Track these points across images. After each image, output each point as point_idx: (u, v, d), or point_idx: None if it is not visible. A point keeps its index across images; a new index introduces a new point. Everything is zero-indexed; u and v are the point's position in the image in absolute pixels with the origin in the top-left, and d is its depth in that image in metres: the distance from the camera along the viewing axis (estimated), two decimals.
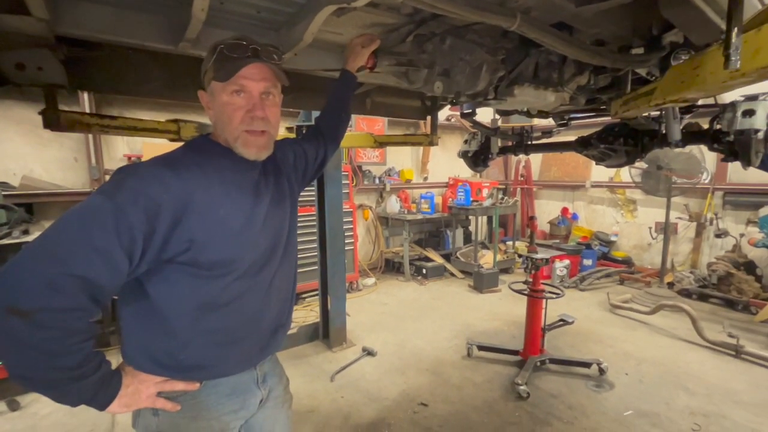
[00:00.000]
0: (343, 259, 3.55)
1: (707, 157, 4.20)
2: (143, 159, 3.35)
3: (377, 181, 5.92)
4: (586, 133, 2.48)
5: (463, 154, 3.11)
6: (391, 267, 5.96)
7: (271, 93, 0.97)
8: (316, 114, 1.49)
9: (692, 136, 1.96)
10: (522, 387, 2.70)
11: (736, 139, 1.67)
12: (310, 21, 1.16)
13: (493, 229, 5.75)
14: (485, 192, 5.88)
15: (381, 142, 2.77)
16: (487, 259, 5.56)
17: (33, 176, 3.50)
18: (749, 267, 4.41)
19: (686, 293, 4.61)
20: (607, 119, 2.60)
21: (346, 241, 4.24)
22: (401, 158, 6.27)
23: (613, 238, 5.93)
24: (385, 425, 2.45)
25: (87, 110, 3.51)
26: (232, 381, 1.00)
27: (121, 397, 0.85)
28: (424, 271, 5.50)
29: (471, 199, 5.64)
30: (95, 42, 1.34)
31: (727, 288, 4.40)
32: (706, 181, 4.80)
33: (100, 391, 0.82)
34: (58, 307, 0.71)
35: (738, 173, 4.71)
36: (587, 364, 3.03)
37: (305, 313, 4.25)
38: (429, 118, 2.64)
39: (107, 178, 3.59)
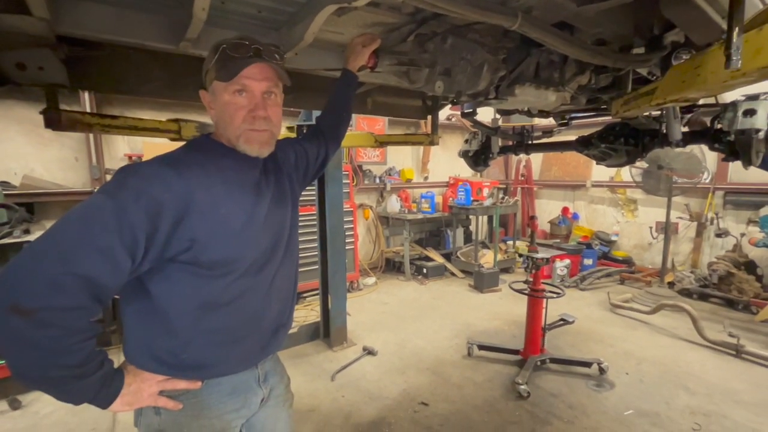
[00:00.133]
0: (344, 258, 3.55)
1: (708, 156, 4.20)
2: (144, 158, 3.35)
3: (378, 180, 5.93)
4: (586, 132, 2.48)
5: (464, 154, 3.11)
6: (391, 266, 5.96)
7: (273, 92, 0.97)
8: (316, 113, 1.49)
9: (693, 135, 1.95)
10: (522, 386, 2.70)
11: (737, 139, 1.67)
12: (311, 20, 1.16)
13: (493, 229, 5.75)
14: (486, 191, 5.88)
15: (382, 142, 2.77)
16: (487, 258, 5.56)
17: (34, 176, 3.50)
18: (750, 267, 4.41)
19: (687, 293, 4.61)
20: (607, 119, 2.60)
21: (347, 241, 4.24)
22: (402, 158, 6.26)
23: (613, 238, 5.93)
24: (385, 424, 2.45)
25: (88, 110, 3.51)
26: (233, 380, 1.00)
27: (123, 395, 0.85)
28: (424, 270, 5.50)
29: (471, 198, 5.64)
30: (96, 42, 1.34)
31: (727, 288, 4.40)
32: (707, 181, 4.80)
33: (102, 390, 0.82)
34: (60, 306, 0.71)
35: (739, 173, 4.70)
36: (588, 364, 3.03)
37: (306, 313, 4.25)
38: (430, 117, 2.64)
39: (108, 177, 3.60)
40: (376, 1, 1.20)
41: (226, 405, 0.99)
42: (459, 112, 2.57)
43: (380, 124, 5.40)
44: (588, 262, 5.54)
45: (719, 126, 1.78)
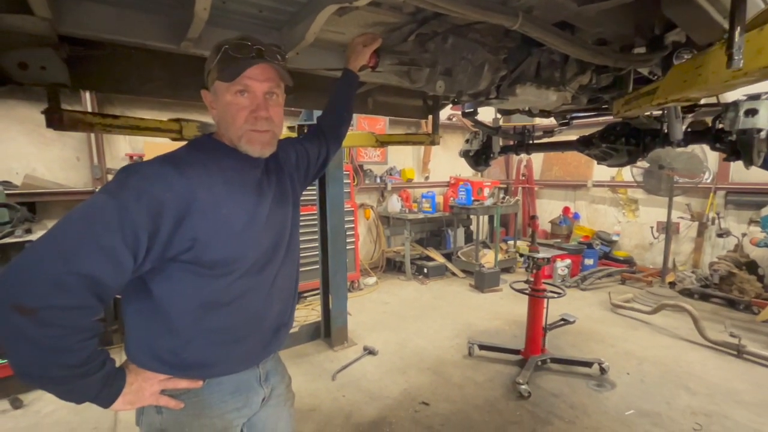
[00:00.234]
0: (345, 258, 3.55)
1: (709, 156, 4.19)
2: (145, 158, 3.36)
3: (378, 180, 5.92)
4: (587, 132, 2.48)
5: (465, 154, 3.11)
6: (392, 266, 5.96)
7: (275, 93, 0.97)
8: (317, 113, 1.49)
9: (694, 135, 1.95)
10: (523, 386, 2.70)
11: (739, 139, 1.67)
12: (312, 20, 1.16)
13: (494, 229, 5.75)
14: (486, 191, 5.88)
15: (382, 142, 2.77)
16: (488, 258, 5.56)
17: (36, 175, 3.51)
18: (751, 267, 4.40)
19: (688, 293, 4.61)
20: (609, 118, 2.59)
21: (348, 241, 4.24)
22: (402, 158, 6.26)
23: (614, 238, 5.92)
24: (386, 424, 2.45)
25: (89, 109, 3.52)
26: (235, 379, 1.00)
27: (125, 394, 0.86)
28: (425, 270, 5.50)
29: (472, 198, 5.64)
30: (98, 41, 1.34)
31: (728, 288, 4.39)
32: (708, 181, 4.79)
33: (104, 389, 0.82)
34: (62, 305, 0.71)
35: (740, 173, 4.70)
36: (588, 364, 3.03)
37: (307, 312, 4.26)
38: (430, 117, 2.64)
39: (109, 177, 3.61)
40: (377, 0, 1.20)
41: (227, 404, 0.99)
42: (460, 112, 2.57)
43: (381, 123, 5.40)
44: (589, 262, 5.53)
45: (721, 126, 1.78)
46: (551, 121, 2.80)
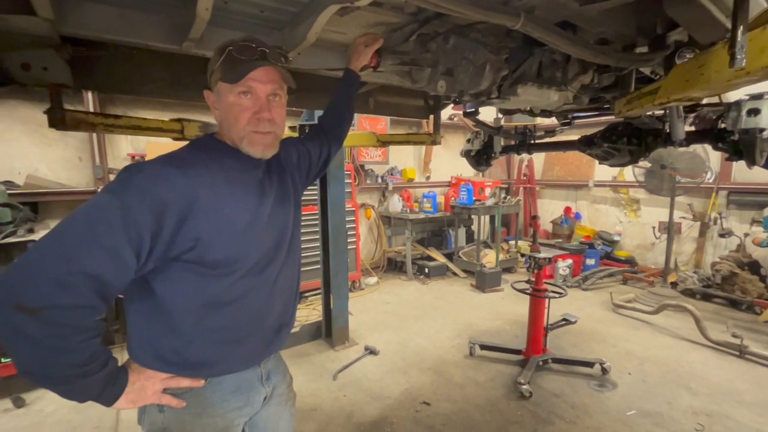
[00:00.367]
0: (346, 258, 3.55)
1: (711, 156, 4.18)
2: (147, 158, 3.36)
3: (380, 180, 5.92)
4: (589, 132, 2.48)
5: (466, 153, 3.11)
6: (393, 266, 5.96)
7: (278, 94, 0.98)
8: (319, 113, 1.49)
9: (696, 135, 1.95)
10: (524, 386, 2.70)
11: (741, 138, 1.66)
12: (314, 20, 1.16)
13: (495, 229, 5.74)
14: (488, 191, 5.87)
15: (384, 141, 2.77)
16: (489, 258, 5.55)
17: (38, 175, 3.52)
18: (753, 267, 4.39)
19: (690, 293, 4.60)
20: (610, 118, 2.59)
21: (349, 240, 4.24)
22: (404, 157, 6.26)
23: (616, 238, 5.91)
24: (387, 424, 2.45)
25: (91, 110, 3.53)
26: (236, 378, 1.00)
27: (127, 393, 0.86)
28: (426, 270, 5.50)
29: (473, 198, 5.63)
30: (100, 42, 1.35)
31: (731, 288, 4.38)
32: (711, 181, 4.78)
33: (107, 388, 0.83)
34: (66, 305, 0.71)
35: (742, 172, 4.68)
36: (590, 364, 3.02)
37: (308, 312, 4.26)
38: (432, 117, 2.64)
39: (111, 177, 3.62)
40: (379, 0, 1.20)
41: (229, 403, 0.99)
42: (461, 112, 2.57)
43: (382, 123, 5.40)
44: (590, 262, 5.52)
45: (723, 125, 1.78)
46: (553, 121, 2.80)
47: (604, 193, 6.19)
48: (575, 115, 2.57)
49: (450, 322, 4.03)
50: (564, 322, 3.36)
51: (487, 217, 6.51)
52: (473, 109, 2.35)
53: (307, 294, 4.62)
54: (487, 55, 1.51)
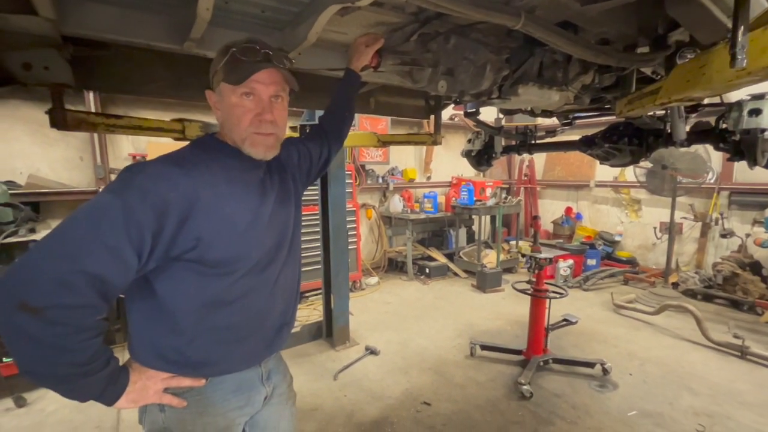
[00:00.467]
0: (347, 258, 3.55)
1: (713, 156, 4.18)
2: (148, 158, 3.37)
3: (380, 180, 5.92)
4: (590, 132, 2.47)
5: (467, 154, 3.11)
6: (394, 266, 5.96)
7: (280, 96, 0.98)
8: (319, 113, 1.49)
9: (698, 135, 1.94)
10: (525, 386, 2.70)
11: (742, 139, 1.66)
12: (315, 20, 1.16)
13: (496, 229, 5.74)
14: (489, 191, 5.87)
15: (384, 142, 2.77)
16: (490, 258, 5.55)
17: (39, 175, 3.53)
18: (755, 267, 4.38)
19: (691, 293, 4.59)
20: (611, 118, 2.59)
21: (350, 240, 4.24)
22: (404, 157, 6.26)
23: (617, 238, 5.90)
24: (388, 424, 2.45)
25: (92, 110, 3.53)
26: (237, 378, 1.00)
27: (128, 392, 0.86)
28: (427, 270, 5.49)
29: (474, 198, 5.63)
30: (101, 42, 1.35)
31: (732, 288, 4.37)
32: (712, 181, 4.77)
33: (108, 387, 0.83)
34: (68, 304, 0.72)
35: (744, 173, 4.67)
36: (591, 364, 3.02)
37: (309, 312, 4.26)
38: (432, 117, 2.64)
39: (112, 177, 3.62)
40: (380, 0, 1.20)
41: (230, 402, 0.99)
42: (462, 112, 2.57)
43: (383, 123, 5.40)
44: (591, 262, 5.52)
45: (724, 125, 1.77)
46: (554, 121, 2.80)
47: (605, 194, 6.18)
48: (576, 115, 2.57)
49: (451, 322, 4.03)
50: (565, 323, 3.35)
51: (488, 218, 6.51)
52: (474, 110, 2.35)
53: (307, 294, 4.62)
54: (488, 55, 1.51)
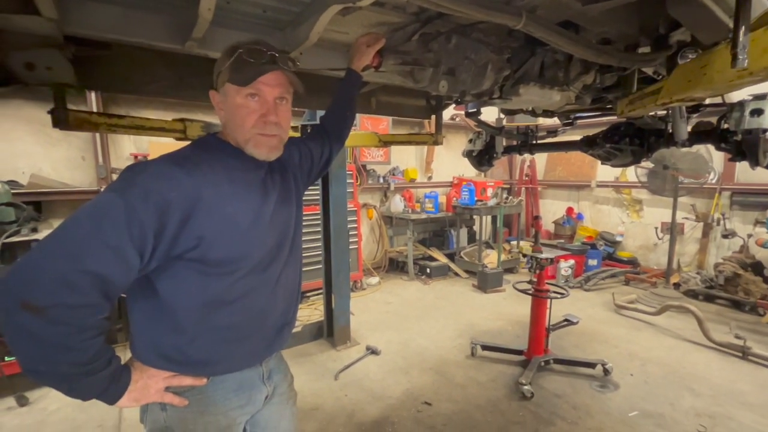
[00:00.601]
0: (348, 258, 3.56)
1: (714, 156, 4.17)
2: (150, 158, 3.37)
3: (381, 180, 5.93)
4: (591, 132, 2.47)
5: (468, 154, 3.10)
6: (395, 266, 5.96)
7: (285, 98, 0.99)
8: (321, 113, 1.49)
9: (699, 135, 1.94)
10: (526, 387, 2.69)
11: (744, 139, 1.66)
12: (316, 20, 1.16)
13: (497, 229, 5.74)
14: (490, 191, 5.87)
15: (385, 142, 2.77)
16: (491, 258, 5.54)
17: (41, 175, 3.54)
18: (757, 268, 4.37)
19: (692, 294, 4.58)
20: (613, 118, 2.59)
21: (351, 240, 4.24)
22: (405, 157, 6.26)
23: (618, 239, 5.89)
24: (388, 423, 2.45)
25: (94, 109, 3.54)
26: (238, 377, 1.01)
27: (130, 391, 0.86)
28: (428, 270, 5.49)
29: (475, 198, 5.63)
30: (103, 41, 1.35)
31: (734, 289, 4.36)
32: (714, 181, 4.76)
33: (110, 386, 0.83)
34: (71, 303, 0.72)
35: (746, 173, 4.66)
36: (592, 365, 3.02)
37: (310, 312, 4.27)
38: (433, 117, 2.64)
39: (114, 177, 3.63)
40: (381, 0, 1.20)
41: (231, 402, 1.00)
42: (463, 112, 2.57)
43: (384, 123, 5.40)
44: (592, 262, 5.51)
45: (726, 126, 1.77)
46: (555, 121, 2.79)
47: (607, 194, 6.17)
48: (577, 115, 2.57)
49: (452, 322, 4.03)
50: (566, 323, 3.35)
51: (489, 218, 6.50)
52: (475, 109, 2.35)
53: (308, 294, 4.62)
54: (489, 55, 1.51)
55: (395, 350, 3.41)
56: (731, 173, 4.78)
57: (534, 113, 2.44)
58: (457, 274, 5.62)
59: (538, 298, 3.01)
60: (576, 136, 2.65)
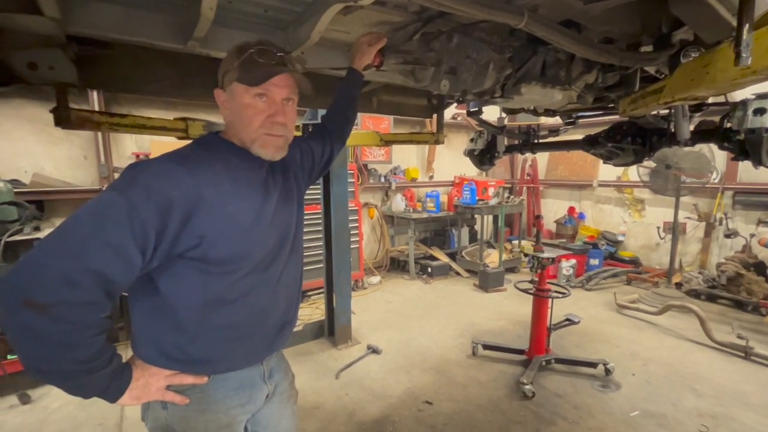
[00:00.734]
0: (349, 257, 3.56)
1: (717, 156, 4.15)
2: (151, 157, 3.38)
3: (383, 179, 5.93)
4: (593, 131, 2.46)
5: (469, 153, 3.10)
6: (396, 265, 5.96)
7: (291, 99, 0.99)
8: (322, 112, 1.50)
9: (702, 134, 1.93)
10: (527, 386, 2.69)
11: (747, 138, 1.65)
12: (318, 20, 1.16)
13: (498, 228, 5.73)
14: (491, 191, 5.86)
15: (387, 141, 2.77)
16: (492, 258, 5.54)
17: (44, 174, 3.55)
18: (759, 267, 4.35)
19: (694, 294, 4.56)
20: (615, 117, 2.58)
21: (352, 240, 4.24)
22: (407, 157, 6.26)
23: (620, 238, 5.88)
24: (389, 423, 2.46)
25: (96, 109, 3.55)
26: (239, 375, 1.01)
27: (131, 389, 0.87)
28: (429, 269, 5.49)
29: (477, 197, 5.62)
30: (105, 41, 1.36)
31: (736, 289, 4.35)
32: (716, 181, 4.74)
33: (111, 384, 0.83)
34: (74, 301, 0.72)
35: (749, 172, 4.64)
36: (593, 364, 3.01)
37: (311, 311, 4.27)
38: (435, 116, 2.64)
39: (116, 176, 3.64)
40: None
41: (232, 400, 1.00)
42: (464, 111, 2.56)
43: (385, 123, 5.40)
44: (594, 262, 5.50)
45: (729, 125, 1.76)
46: (556, 120, 2.79)
47: (608, 193, 6.16)
48: (579, 114, 2.56)
49: (453, 321, 4.03)
50: (567, 323, 3.34)
51: (491, 217, 6.49)
52: (476, 109, 2.34)
53: (310, 293, 4.63)
54: (491, 54, 1.51)
55: (396, 349, 3.41)
56: (734, 173, 4.76)
57: (536, 112, 2.44)
58: (458, 274, 5.62)
59: (540, 297, 3.01)
60: (578, 136, 2.64)
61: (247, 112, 0.94)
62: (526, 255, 5.62)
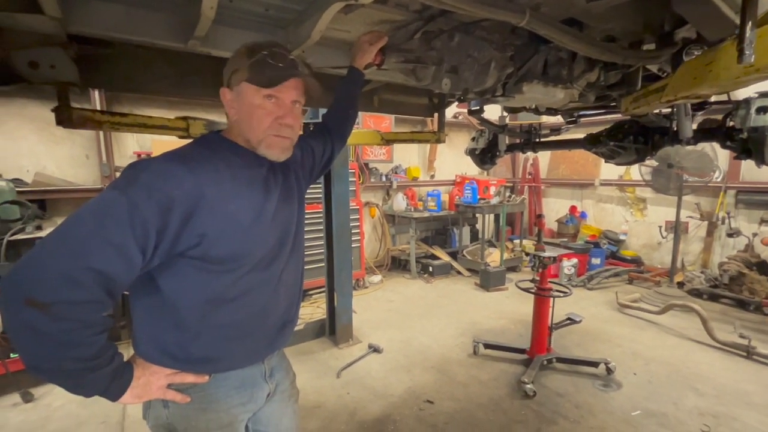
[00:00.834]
0: (350, 256, 3.56)
1: (720, 154, 4.13)
2: (153, 156, 3.38)
3: (384, 178, 5.92)
4: (595, 130, 2.46)
5: (471, 152, 3.09)
6: (397, 264, 5.96)
7: (299, 101, 1.00)
8: (323, 111, 1.49)
9: (704, 133, 1.92)
10: (528, 385, 2.69)
11: (750, 137, 1.64)
12: (318, 18, 1.16)
13: (500, 227, 5.72)
14: (492, 190, 5.85)
15: (388, 140, 2.77)
16: (494, 257, 5.53)
17: (46, 173, 3.56)
18: (762, 267, 4.34)
19: (696, 293, 4.55)
20: (617, 116, 2.57)
21: (353, 239, 4.25)
22: (408, 156, 6.25)
23: (622, 237, 5.87)
24: (390, 422, 2.46)
25: (98, 108, 3.56)
26: (240, 374, 1.01)
27: (132, 388, 0.87)
28: (430, 268, 5.49)
29: (478, 196, 5.62)
30: (106, 40, 1.36)
31: (738, 288, 4.34)
32: (719, 180, 4.72)
33: (113, 383, 0.84)
34: (75, 300, 0.72)
35: (751, 171, 4.63)
36: (595, 364, 3.01)
37: (312, 310, 4.28)
38: (436, 115, 2.63)
39: (118, 175, 3.64)
40: None
41: (233, 399, 1.00)
42: (466, 110, 2.56)
43: (387, 122, 5.39)
44: (596, 261, 5.49)
45: (731, 123, 1.75)
46: (558, 119, 2.78)
47: (610, 192, 6.14)
48: (581, 113, 2.55)
49: (454, 320, 4.03)
50: (569, 322, 3.34)
51: (492, 216, 6.48)
52: (478, 107, 2.34)
53: (311, 292, 4.63)
54: (492, 53, 1.51)
55: (397, 348, 3.41)
56: (736, 171, 4.74)
57: (537, 111, 2.43)
58: (459, 273, 5.61)
59: (541, 296, 3.01)
60: (580, 134, 2.63)
61: (256, 112, 0.94)
62: (527, 254, 5.61)
